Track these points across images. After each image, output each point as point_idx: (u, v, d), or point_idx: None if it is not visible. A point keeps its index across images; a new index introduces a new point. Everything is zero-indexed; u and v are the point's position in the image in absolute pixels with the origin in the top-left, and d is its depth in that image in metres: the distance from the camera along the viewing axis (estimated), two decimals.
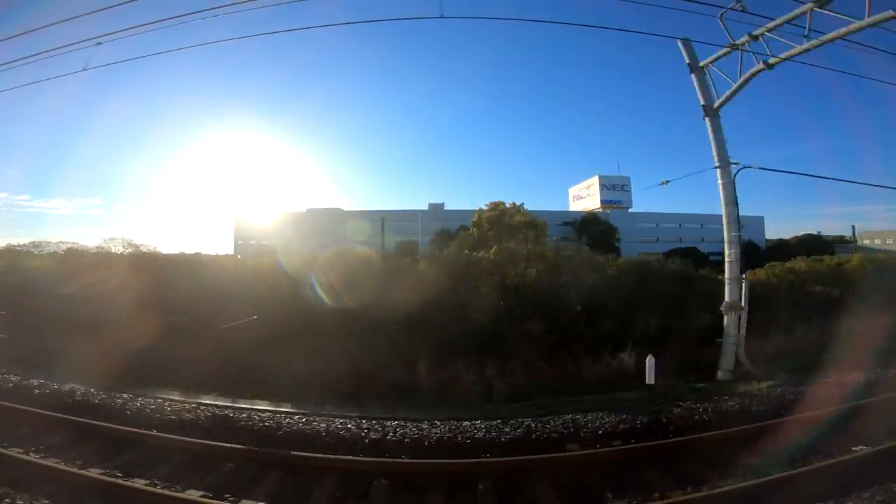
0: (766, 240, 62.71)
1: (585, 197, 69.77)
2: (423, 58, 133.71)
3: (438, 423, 6.90)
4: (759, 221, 66.75)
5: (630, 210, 67.14)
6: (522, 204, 37.66)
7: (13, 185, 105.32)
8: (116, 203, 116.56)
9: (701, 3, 8.37)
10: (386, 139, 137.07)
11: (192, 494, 4.79)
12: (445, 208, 62.71)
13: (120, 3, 8.01)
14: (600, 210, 63.03)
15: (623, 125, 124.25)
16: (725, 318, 10.03)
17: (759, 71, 9.35)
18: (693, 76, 10.53)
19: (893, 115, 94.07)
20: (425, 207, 60.65)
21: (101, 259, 15.95)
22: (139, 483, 4.98)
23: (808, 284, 13.30)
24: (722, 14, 9.28)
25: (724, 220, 10.60)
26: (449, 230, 47.21)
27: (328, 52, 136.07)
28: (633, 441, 6.28)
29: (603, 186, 64.88)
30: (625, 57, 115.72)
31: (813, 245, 49.41)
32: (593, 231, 53.47)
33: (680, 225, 68.77)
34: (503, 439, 6.40)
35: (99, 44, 7.87)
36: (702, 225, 66.46)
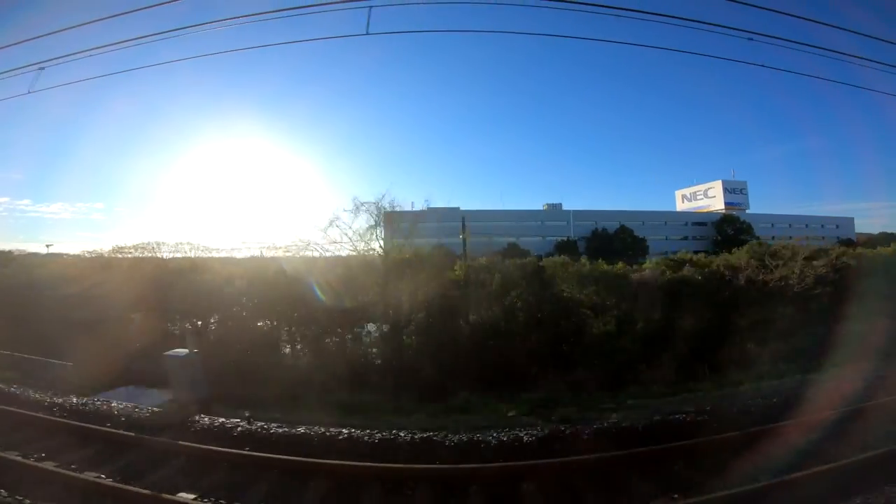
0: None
1: (701, 199, 73.58)
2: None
3: None
4: (850, 222, 72.51)
5: (747, 211, 70.34)
6: None
7: (14, 189, 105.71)
8: (118, 208, 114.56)
9: None
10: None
11: (186, 497, 4.89)
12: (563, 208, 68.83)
13: (125, 11, 7.84)
14: (723, 211, 66.60)
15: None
16: None
17: None
18: None
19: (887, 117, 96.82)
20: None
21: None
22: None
23: None
24: None
25: None
26: (607, 230, 52.01)
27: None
28: None
29: (726, 189, 68.45)
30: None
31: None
32: (731, 230, 57.39)
33: (790, 225, 71.17)
34: None
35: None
36: (806, 225, 70.66)
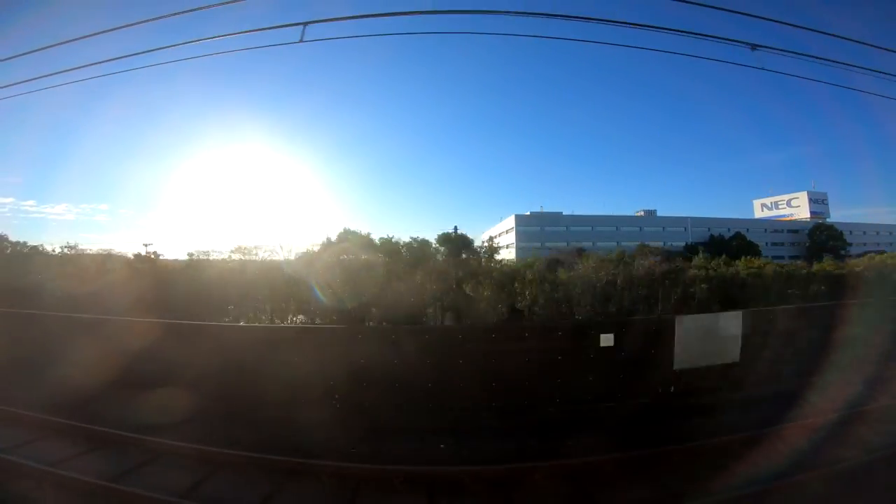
0: None
1: (784, 208, 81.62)
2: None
3: None
4: None
5: (828, 220, 77.90)
6: None
7: (20, 190, 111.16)
8: (123, 209, 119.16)
9: None
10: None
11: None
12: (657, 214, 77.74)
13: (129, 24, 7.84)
14: (808, 220, 74.46)
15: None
16: None
17: None
18: None
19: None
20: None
21: None
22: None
23: None
24: None
25: None
26: (723, 236, 60.47)
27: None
28: None
29: (811, 200, 76.43)
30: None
31: None
32: (823, 237, 65.32)
33: (864, 232, 78.36)
34: None
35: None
36: (891, 233, 77.68)
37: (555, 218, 70.65)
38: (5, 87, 8.74)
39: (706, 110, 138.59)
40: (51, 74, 8.29)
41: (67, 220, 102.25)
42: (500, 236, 78.51)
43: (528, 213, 75.82)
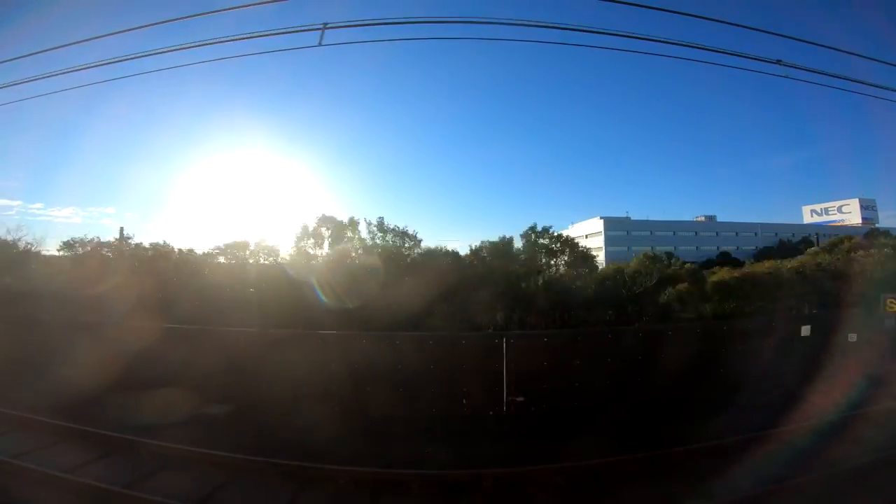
0: None
1: (834, 214, 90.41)
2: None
3: None
4: None
5: (876, 225, 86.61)
6: None
7: (27, 193, 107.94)
8: (128, 213, 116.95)
9: None
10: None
11: None
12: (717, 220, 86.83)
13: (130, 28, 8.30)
14: (860, 225, 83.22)
15: None
16: None
17: None
18: None
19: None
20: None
21: None
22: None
23: None
24: None
25: None
26: (791, 241, 69.42)
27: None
28: None
29: (862, 207, 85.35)
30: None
31: None
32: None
33: None
34: None
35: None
36: None
37: (639, 223, 79.02)
38: (13, 85, 8.48)
39: (740, 121, 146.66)
40: (58, 73, 8.07)
41: (74, 224, 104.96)
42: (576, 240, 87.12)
43: (599, 217, 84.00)
